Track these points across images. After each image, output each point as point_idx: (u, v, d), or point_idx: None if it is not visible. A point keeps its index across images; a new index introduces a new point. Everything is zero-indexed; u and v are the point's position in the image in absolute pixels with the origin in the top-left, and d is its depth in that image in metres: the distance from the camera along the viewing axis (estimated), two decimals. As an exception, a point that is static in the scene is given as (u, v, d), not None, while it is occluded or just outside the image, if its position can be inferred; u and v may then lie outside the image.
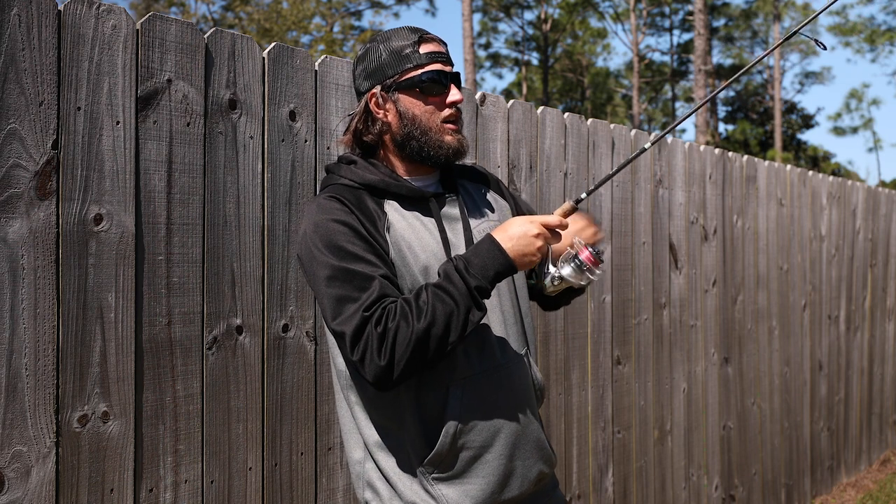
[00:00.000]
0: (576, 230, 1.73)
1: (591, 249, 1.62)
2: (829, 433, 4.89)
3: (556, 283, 1.64)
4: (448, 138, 1.67)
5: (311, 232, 1.58)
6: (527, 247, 1.54)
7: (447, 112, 1.67)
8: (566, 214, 1.62)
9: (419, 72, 1.65)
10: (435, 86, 1.66)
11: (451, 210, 1.70)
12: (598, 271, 1.62)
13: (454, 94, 1.67)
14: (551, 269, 1.64)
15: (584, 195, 1.64)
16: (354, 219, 1.58)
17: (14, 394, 1.58)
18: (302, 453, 2.09)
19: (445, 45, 1.72)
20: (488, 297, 1.54)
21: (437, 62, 1.67)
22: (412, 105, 1.66)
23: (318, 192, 1.72)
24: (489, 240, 1.55)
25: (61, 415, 1.65)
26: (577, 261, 1.62)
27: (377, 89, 1.67)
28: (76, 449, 1.67)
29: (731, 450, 3.89)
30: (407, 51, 1.65)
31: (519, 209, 1.90)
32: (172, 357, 1.83)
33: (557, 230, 1.57)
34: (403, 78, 1.65)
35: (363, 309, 1.49)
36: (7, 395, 1.56)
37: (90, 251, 1.69)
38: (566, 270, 1.63)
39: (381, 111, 1.68)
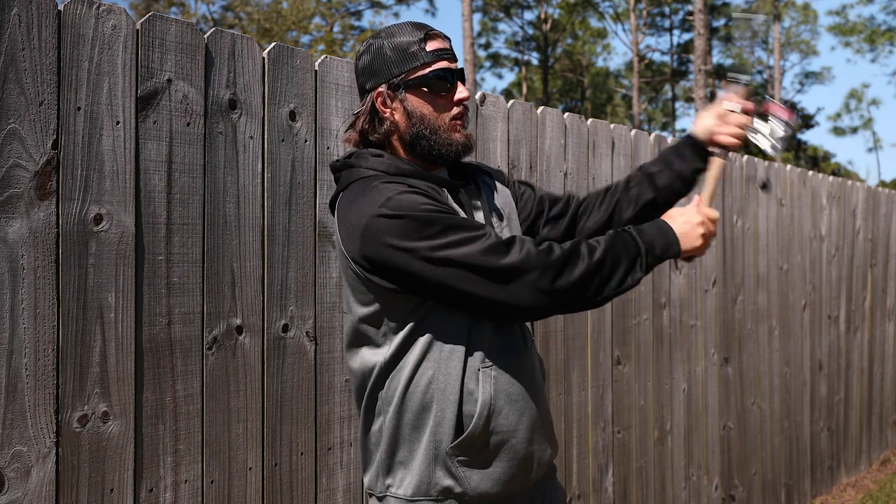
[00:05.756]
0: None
1: (776, 103, 1.78)
2: (829, 433, 4.89)
3: (783, 143, 1.78)
4: (457, 136, 1.66)
5: (387, 210, 1.50)
6: (693, 241, 1.67)
7: (455, 110, 1.66)
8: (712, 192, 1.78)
9: (426, 70, 1.62)
10: (443, 84, 1.63)
11: (474, 200, 1.71)
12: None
13: (461, 92, 1.66)
14: (764, 129, 1.77)
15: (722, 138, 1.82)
16: (419, 192, 1.55)
17: (14, 394, 1.58)
18: (302, 453, 2.09)
19: (449, 40, 1.70)
20: (651, 267, 1.63)
21: (443, 59, 1.64)
22: (420, 104, 1.64)
23: (342, 189, 1.66)
24: (667, 224, 1.66)
25: (61, 415, 1.65)
26: (781, 121, 1.77)
27: (383, 88, 1.64)
28: (76, 449, 1.67)
29: (731, 450, 3.89)
30: (413, 48, 1.62)
31: (515, 193, 1.91)
32: (172, 357, 1.83)
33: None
34: (411, 77, 1.63)
35: (494, 236, 1.53)
36: (7, 395, 1.56)
37: (90, 251, 1.69)
38: (779, 131, 1.77)
39: (388, 110, 1.65)
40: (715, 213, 1.70)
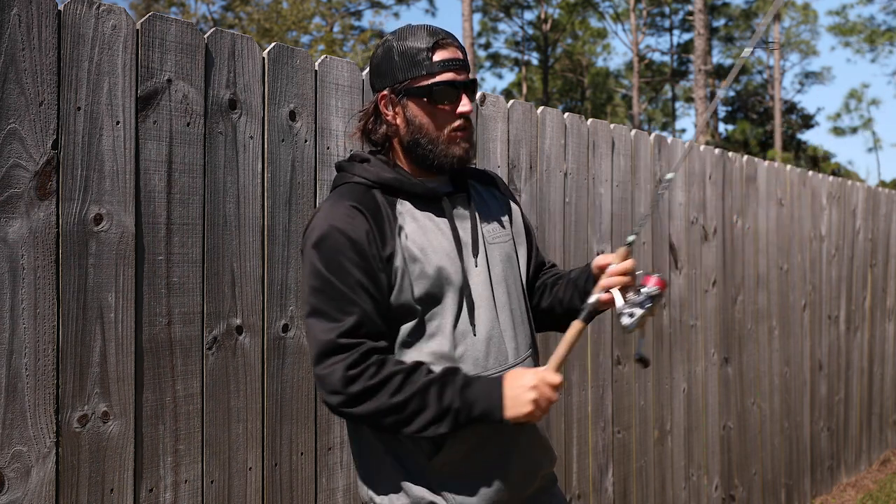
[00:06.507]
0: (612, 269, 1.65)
1: (656, 275, 1.60)
2: (829, 433, 4.89)
3: (636, 317, 1.57)
4: (455, 148, 1.64)
5: (317, 235, 1.57)
6: (521, 407, 1.53)
7: (456, 122, 1.64)
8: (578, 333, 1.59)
9: (429, 81, 1.61)
10: (445, 96, 1.62)
11: (463, 209, 1.70)
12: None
13: (464, 105, 1.64)
14: (627, 310, 1.58)
15: (591, 299, 1.60)
16: (364, 232, 1.56)
17: (14, 394, 1.58)
18: (302, 453, 2.09)
19: (462, 49, 1.68)
20: (463, 426, 1.55)
21: (449, 71, 1.62)
22: (419, 113, 1.63)
23: (331, 191, 1.71)
24: (498, 383, 1.55)
25: (61, 415, 1.65)
26: (651, 291, 1.57)
27: (387, 91, 1.65)
28: (76, 449, 1.67)
29: (731, 450, 3.89)
30: (419, 56, 1.61)
31: (522, 220, 1.89)
32: (172, 357, 1.83)
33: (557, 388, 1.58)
34: (413, 85, 1.62)
35: (338, 334, 1.53)
36: (7, 395, 1.56)
37: (90, 251, 1.69)
38: (639, 301, 1.57)
39: (390, 114, 1.66)
40: (557, 379, 1.55)
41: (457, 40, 1.67)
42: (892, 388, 5.82)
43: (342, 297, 1.54)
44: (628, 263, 1.63)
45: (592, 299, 1.61)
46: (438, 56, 1.62)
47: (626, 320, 1.57)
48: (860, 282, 5.33)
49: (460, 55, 1.66)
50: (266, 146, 2.03)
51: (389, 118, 1.66)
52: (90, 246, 1.70)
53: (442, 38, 1.63)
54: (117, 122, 1.74)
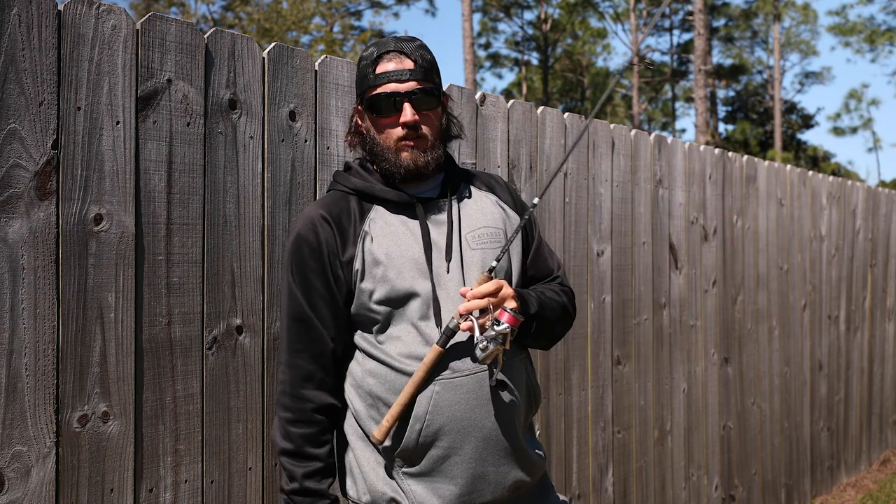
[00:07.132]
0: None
1: (509, 311, 1.60)
2: (829, 433, 4.89)
3: (487, 351, 1.58)
4: (404, 155, 1.68)
5: (289, 241, 1.73)
6: None
7: (401, 132, 1.68)
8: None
9: (371, 94, 1.68)
10: (384, 108, 1.66)
11: (440, 213, 1.72)
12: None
13: (405, 115, 1.66)
14: (482, 343, 1.58)
15: (451, 324, 1.60)
16: (324, 239, 1.66)
17: (14, 394, 1.57)
18: (302, 453, 2.09)
19: (414, 55, 1.67)
20: None
21: (389, 82, 1.65)
22: (370, 126, 1.72)
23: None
24: None
25: (61, 415, 1.65)
26: (503, 329, 1.58)
27: (357, 103, 1.76)
28: (76, 449, 1.67)
29: (731, 450, 3.89)
30: (366, 70, 1.69)
31: (526, 231, 1.87)
32: (172, 357, 1.83)
33: None
34: (363, 98, 1.71)
35: (286, 362, 1.72)
36: (7, 395, 1.56)
37: (90, 251, 1.69)
38: (492, 336, 1.58)
39: (363, 125, 1.76)
40: None
41: (410, 49, 1.67)
42: (892, 388, 5.82)
43: (301, 327, 1.69)
44: (488, 286, 1.59)
45: (452, 324, 1.60)
46: (381, 68, 1.66)
47: (479, 353, 1.58)
48: (860, 282, 5.33)
49: (407, 64, 1.66)
50: (266, 146, 2.03)
51: (363, 129, 1.76)
52: (90, 246, 1.70)
53: (387, 50, 1.66)
54: (117, 122, 1.74)
